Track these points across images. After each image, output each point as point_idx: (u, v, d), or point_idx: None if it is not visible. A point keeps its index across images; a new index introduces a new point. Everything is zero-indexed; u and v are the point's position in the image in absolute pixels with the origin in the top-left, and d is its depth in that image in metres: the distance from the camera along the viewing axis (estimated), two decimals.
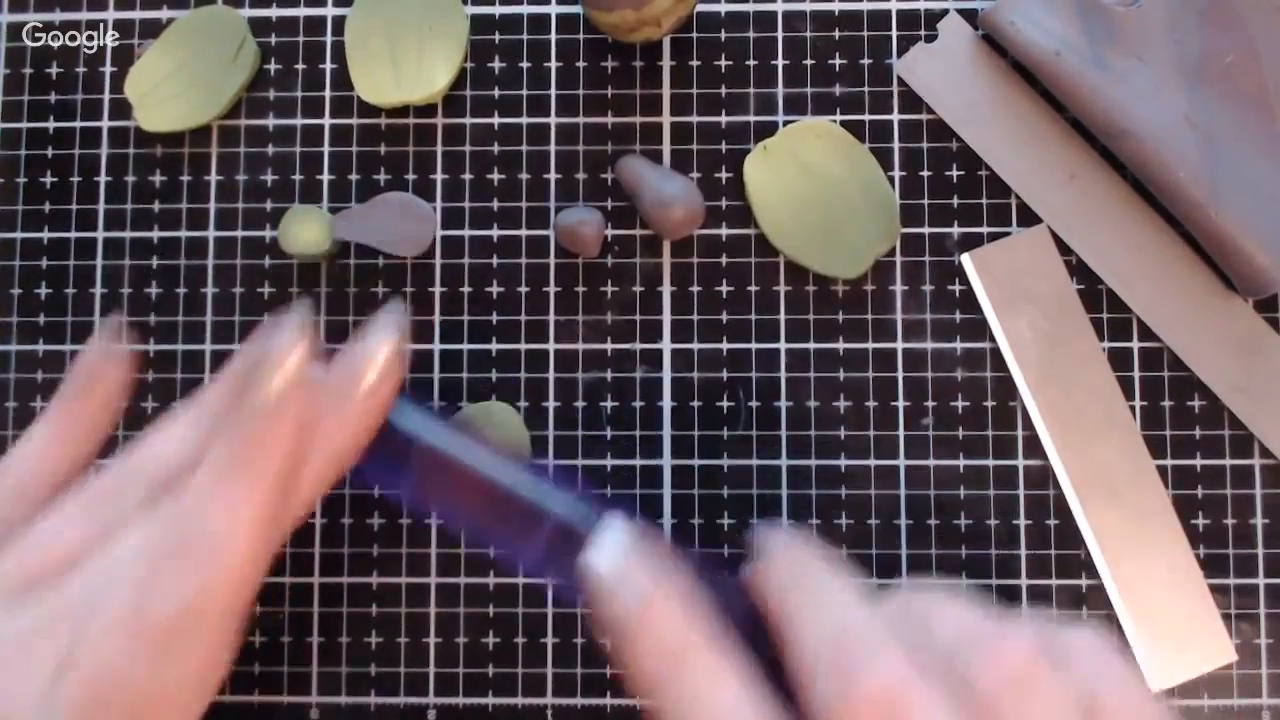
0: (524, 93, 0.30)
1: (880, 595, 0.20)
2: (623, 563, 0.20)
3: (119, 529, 0.20)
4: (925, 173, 0.29)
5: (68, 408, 0.23)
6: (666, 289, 0.29)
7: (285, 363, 0.20)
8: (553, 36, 0.30)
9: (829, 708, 0.17)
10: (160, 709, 0.19)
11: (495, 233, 0.30)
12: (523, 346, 0.29)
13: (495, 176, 0.30)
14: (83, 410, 0.23)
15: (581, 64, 0.30)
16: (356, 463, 0.23)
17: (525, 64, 0.30)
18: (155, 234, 0.30)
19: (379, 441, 0.22)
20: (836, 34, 0.30)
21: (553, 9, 0.30)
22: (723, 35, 0.30)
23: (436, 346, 0.29)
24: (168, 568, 0.19)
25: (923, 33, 0.30)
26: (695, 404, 0.29)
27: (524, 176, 0.30)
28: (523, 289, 0.29)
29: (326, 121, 0.30)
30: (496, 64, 0.30)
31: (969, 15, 0.30)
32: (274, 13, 0.30)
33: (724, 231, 0.29)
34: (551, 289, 0.29)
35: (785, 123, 0.30)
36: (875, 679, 0.17)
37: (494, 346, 0.29)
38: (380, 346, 0.22)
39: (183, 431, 0.22)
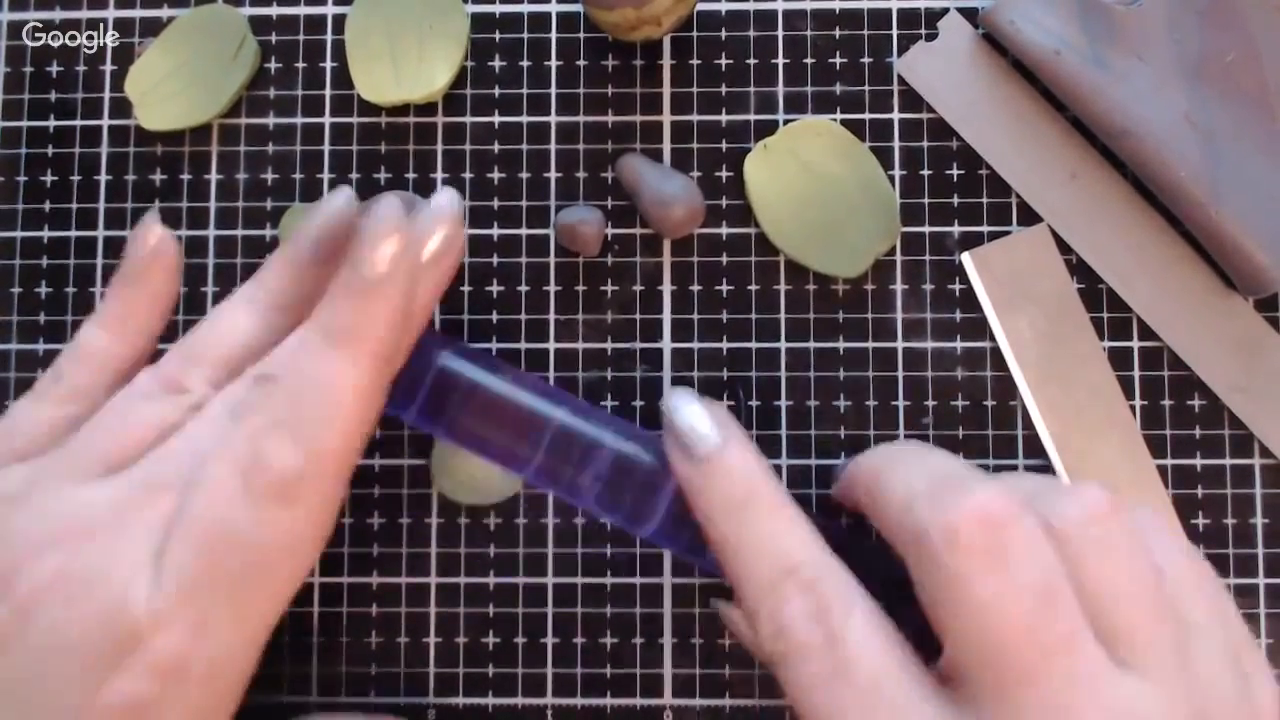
0: (524, 91, 0.30)
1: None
2: (698, 412, 0.21)
3: (214, 387, 0.20)
4: (925, 171, 0.29)
5: (122, 296, 0.22)
6: (667, 288, 0.29)
7: (395, 221, 0.20)
8: (553, 35, 0.30)
9: (928, 532, 0.18)
10: (271, 567, 0.19)
11: (495, 231, 0.30)
12: (523, 345, 0.29)
13: (495, 175, 0.30)
14: (138, 297, 0.22)
15: (582, 63, 0.30)
16: (409, 409, 0.23)
17: (526, 63, 0.30)
18: None
19: (430, 385, 0.23)
20: (837, 33, 0.30)
21: (553, 8, 0.30)
22: (723, 34, 0.30)
23: None
24: (280, 423, 0.19)
25: (923, 31, 0.30)
26: None
27: (524, 175, 0.30)
28: (523, 288, 0.29)
29: (327, 120, 0.30)
30: (497, 63, 0.30)
31: (969, 14, 0.30)
32: (274, 11, 0.30)
33: (724, 230, 0.29)
34: (551, 288, 0.29)
35: (785, 121, 0.30)
36: (977, 501, 0.17)
37: (494, 345, 0.29)
38: (446, 203, 0.22)
39: (247, 313, 0.22)
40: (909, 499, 0.19)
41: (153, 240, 0.23)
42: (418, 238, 0.22)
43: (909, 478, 0.19)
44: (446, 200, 0.22)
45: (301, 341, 0.20)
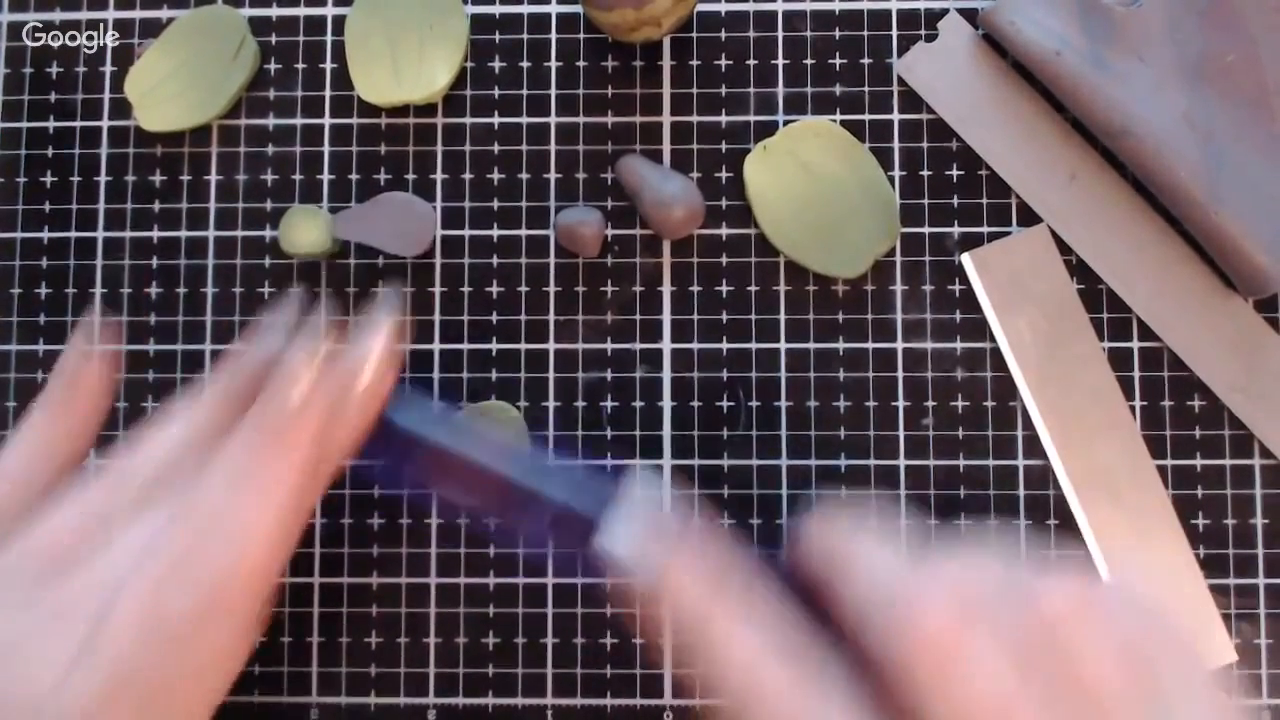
0: (524, 92, 0.30)
1: (925, 552, 0.20)
2: (637, 539, 0.20)
3: (132, 519, 0.20)
4: (925, 172, 0.29)
5: (55, 405, 0.23)
6: (666, 289, 0.29)
7: (314, 358, 0.21)
8: (553, 36, 0.30)
9: (884, 646, 0.17)
10: (174, 700, 0.19)
11: (495, 232, 0.30)
12: (523, 346, 0.29)
13: (495, 176, 0.30)
14: (71, 406, 0.23)
15: (582, 63, 0.30)
16: (362, 459, 0.23)
17: (525, 63, 0.30)
18: (155, 234, 0.30)
19: (382, 439, 0.22)
20: (836, 33, 0.30)
21: (553, 9, 0.30)
22: (723, 35, 0.30)
23: (436, 346, 0.29)
24: (188, 558, 0.19)
25: (923, 32, 0.30)
26: (695, 404, 0.29)
27: (524, 176, 0.30)
28: (523, 289, 0.29)
29: (326, 121, 0.30)
30: (497, 63, 0.30)
31: (969, 15, 0.30)
32: (274, 12, 0.30)
33: (724, 231, 0.29)
34: (551, 289, 0.29)
35: (785, 122, 0.30)
36: (931, 615, 0.17)
37: (494, 346, 0.29)
38: (380, 333, 0.22)
39: (181, 434, 0.22)
40: (865, 608, 0.18)
41: (85, 349, 0.23)
42: (341, 376, 0.22)
43: (866, 579, 0.19)
44: (378, 338, 0.22)
45: (211, 478, 0.20)
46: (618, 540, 0.20)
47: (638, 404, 0.29)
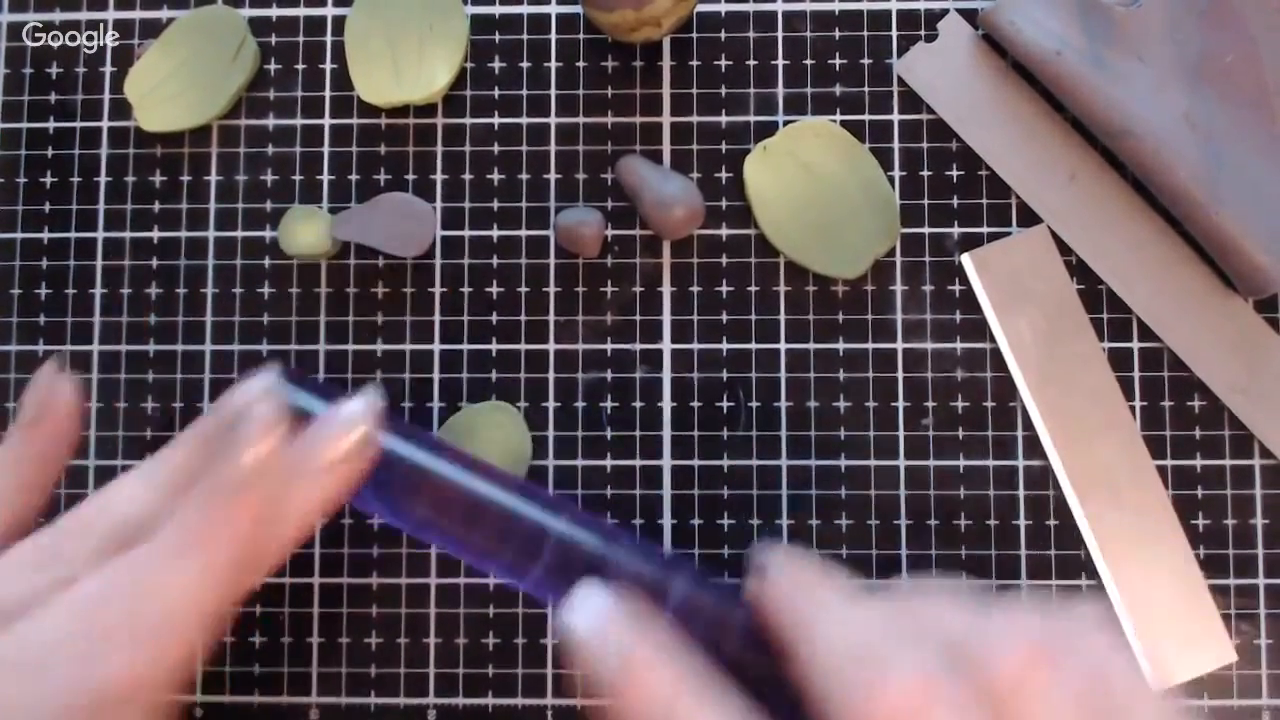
0: (524, 93, 0.30)
1: (881, 592, 0.20)
2: (600, 622, 0.19)
3: (63, 588, 0.20)
4: (925, 173, 0.29)
5: (13, 454, 0.22)
6: (666, 289, 0.29)
7: (258, 436, 0.20)
8: (553, 36, 0.30)
9: (845, 716, 0.17)
10: None
11: (495, 233, 0.30)
12: (523, 347, 0.29)
13: (495, 176, 0.30)
14: (32, 449, 0.22)
15: (582, 64, 0.30)
16: (352, 496, 0.22)
17: (525, 64, 0.30)
18: (155, 234, 0.30)
19: (373, 473, 0.22)
20: (836, 34, 0.30)
21: (553, 9, 0.30)
22: (723, 35, 0.30)
23: (436, 347, 0.29)
24: (106, 641, 0.19)
25: (923, 32, 0.30)
26: (695, 404, 0.29)
27: (524, 177, 0.30)
28: (523, 289, 0.29)
29: (326, 121, 0.30)
30: (497, 64, 0.30)
31: (969, 15, 0.30)
32: (274, 12, 0.30)
33: (724, 231, 0.29)
34: (551, 289, 0.29)
35: (785, 123, 0.30)
36: (895, 689, 0.17)
37: (494, 347, 0.29)
38: (348, 425, 0.21)
39: (142, 490, 0.21)
40: (828, 679, 0.18)
41: (48, 391, 0.23)
42: (310, 446, 0.21)
43: (826, 646, 0.19)
44: (349, 412, 0.22)
45: (151, 548, 0.20)
46: (580, 620, 0.19)
47: (638, 404, 0.29)
